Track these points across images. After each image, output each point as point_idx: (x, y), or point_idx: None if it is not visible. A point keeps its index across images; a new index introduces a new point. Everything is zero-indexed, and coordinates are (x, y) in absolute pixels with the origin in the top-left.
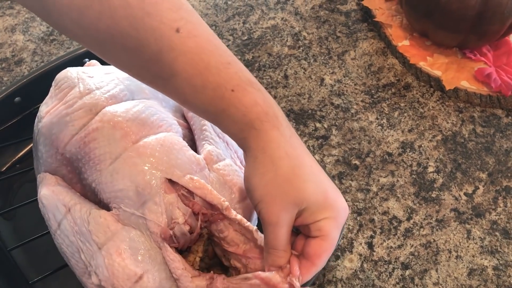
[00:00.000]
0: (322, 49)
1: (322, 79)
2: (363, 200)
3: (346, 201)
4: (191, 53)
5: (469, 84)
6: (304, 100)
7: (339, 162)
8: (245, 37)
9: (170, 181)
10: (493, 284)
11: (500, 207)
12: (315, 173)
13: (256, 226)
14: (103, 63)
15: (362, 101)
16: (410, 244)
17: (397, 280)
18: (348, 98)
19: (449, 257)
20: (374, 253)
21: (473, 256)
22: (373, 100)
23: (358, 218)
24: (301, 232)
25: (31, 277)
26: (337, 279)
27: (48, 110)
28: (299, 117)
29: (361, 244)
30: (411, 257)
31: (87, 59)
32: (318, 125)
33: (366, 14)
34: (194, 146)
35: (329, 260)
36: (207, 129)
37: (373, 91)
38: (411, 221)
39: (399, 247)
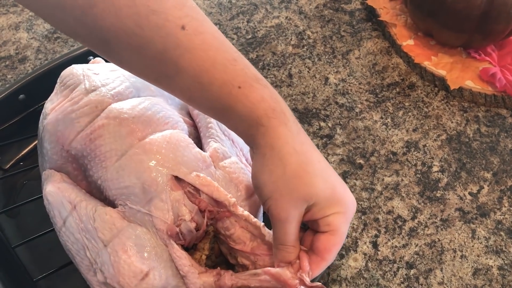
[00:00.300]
0: (326, 48)
1: (327, 78)
2: (368, 199)
3: None
4: (197, 50)
5: (474, 84)
6: (309, 99)
7: (343, 161)
8: (249, 36)
9: (177, 178)
10: (498, 284)
11: (505, 206)
12: (323, 168)
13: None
14: (107, 60)
15: (366, 100)
16: (414, 244)
17: (401, 279)
18: (353, 97)
19: (454, 256)
20: (379, 253)
21: (478, 256)
22: (378, 99)
23: (362, 217)
24: (309, 227)
25: (35, 275)
26: (342, 278)
27: (54, 107)
28: (303, 116)
29: (365, 243)
30: (415, 256)
31: (91, 57)
32: (322, 124)
33: (371, 14)
34: (199, 144)
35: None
36: (213, 126)
37: (377, 91)
38: (416, 221)
39: (404, 246)
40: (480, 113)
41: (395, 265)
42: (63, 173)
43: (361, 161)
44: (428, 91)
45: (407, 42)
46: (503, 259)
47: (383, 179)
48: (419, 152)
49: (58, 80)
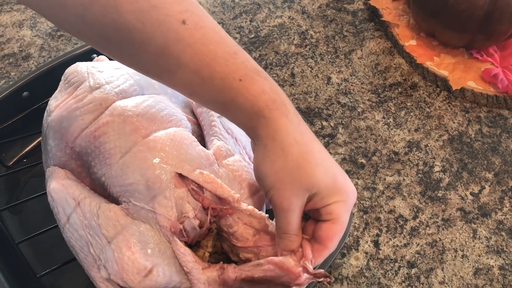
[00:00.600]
0: (329, 48)
1: (329, 78)
2: (369, 199)
3: None
4: (198, 44)
5: (476, 85)
6: (311, 98)
7: (345, 161)
8: (252, 35)
9: (180, 175)
10: (499, 284)
11: (506, 207)
12: (324, 158)
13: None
14: (111, 58)
15: (368, 100)
16: (416, 243)
17: (403, 278)
18: (355, 97)
19: (455, 256)
20: (380, 252)
21: (479, 256)
22: (380, 99)
23: (364, 217)
24: (310, 217)
25: (37, 271)
26: (343, 277)
27: (58, 104)
28: (305, 116)
29: (367, 242)
30: (417, 255)
31: (95, 55)
32: (324, 123)
33: (373, 14)
34: (203, 142)
35: (335, 258)
36: (216, 124)
37: (379, 90)
38: (417, 220)
39: (405, 245)
40: (482, 113)
41: (396, 264)
42: (67, 170)
43: (363, 161)
44: (430, 92)
45: (410, 43)
46: (504, 259)
47: (384, 179)
48: (420, 152)
49: (62, 78)
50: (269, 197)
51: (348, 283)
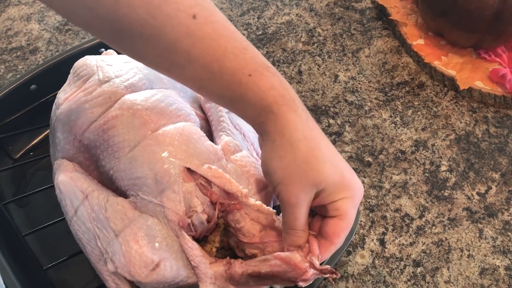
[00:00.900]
0: (336, 46)
1: (336, 76)
2: (376, 197)
3: None
4: (208, 39)
5: (484, 85)
6: (318, 96)
7: (352, 159)
8: (260, 32)
9: (189, 170)
10: (504, 284)
11: None
12: (332, 154)
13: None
14: (119, 52)
15: (375, 98)
16: (422, 242)
17: (408, 277)
18: (362, 95)
19: (461, 255)
20: (386, 250)
21: (485, 256)
22: (387, 98)
23: (370, 215)
24: (316, 213)
25: (43, 264)
26: (349, 275)
27: (67, 97)
28: (312, 113)
29: (373, 240)
30: (422, 254)
31: (103, 49)
32: (331, 121)
33: (381, 12)
34: (211, 137)
35: (341, 256)
36: (225, 120)
37: (387, 89)
38: (423, 219)
39: (411, 244)
40: (489, 114)
41: (402, 262)
42: (75, 163)
43: (370, 159)
44: (437, 91)
45: (417, 42)
46: (510, 259)
47: (391, 177)
48: (427, 151)
49: (71, 71)
50: (276, 192)
51: (353, 281)
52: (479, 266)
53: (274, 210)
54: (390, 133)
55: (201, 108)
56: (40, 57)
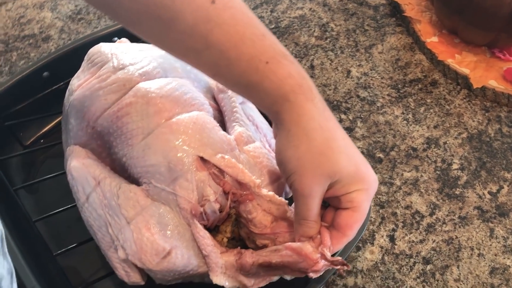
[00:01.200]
0: (349, 41)
1: (349, 71)
2: (386, 193)
3: None
4: (227, 25)
5: (497, 84)
6: (330, 91)
7: (363, 155)
8: (272, 26)
9: (202, 159)
10: None
11: None
12: (347, 145)
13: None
14: (133, 41)
15: (388, 95)
16: (432, 239)
17: (417, 274)
18: (374, 91)
19: (471, 254)
20: (396, 246)
21: (495, 255)
22: (399, 94)
23: (380, 211)
24: (329, 204)
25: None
26: (358, 270)
27: (81, 83)
28: None
29: (382, 236)
30: (432, 252)
31: (116, 38)
32: (343, 116)
33: (395, 9)
34: (223, 128)
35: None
36: (238, 111)
37: (399, 86)
38: (434, 217)
39: (421, 241)
40: (502, 113)
41: (412, 259)
42: (87, 149)
43: (381, 155)
44: (450, 89)
45: (431, 39)
46: None
47: (402, 174)
48: (439, 149)
49: (85, 58)
50: (290, 182)
51: (362, 276)
52: (489, 265)
53: (286, 201)
54: (402, 130)
55: (214, 99)
56: (52, 45)
